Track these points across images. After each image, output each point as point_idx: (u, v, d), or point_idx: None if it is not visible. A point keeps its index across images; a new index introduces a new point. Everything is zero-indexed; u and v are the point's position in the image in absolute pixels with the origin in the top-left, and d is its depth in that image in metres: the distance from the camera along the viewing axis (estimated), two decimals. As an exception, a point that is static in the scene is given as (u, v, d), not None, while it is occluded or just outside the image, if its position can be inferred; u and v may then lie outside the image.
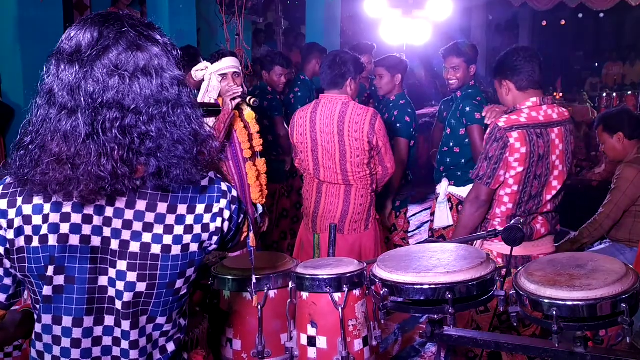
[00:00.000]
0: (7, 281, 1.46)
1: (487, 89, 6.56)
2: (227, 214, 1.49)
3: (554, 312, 1.93)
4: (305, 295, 2.48)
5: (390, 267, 2.23)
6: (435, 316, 2.24)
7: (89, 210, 1.38)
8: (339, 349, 2.41)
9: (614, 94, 9.90)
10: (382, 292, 2.20)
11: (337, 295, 2.44)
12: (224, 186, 1.51)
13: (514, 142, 2.85)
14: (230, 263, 2.73)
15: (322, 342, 2.45)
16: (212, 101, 3.70)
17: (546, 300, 1.96)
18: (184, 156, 1.37)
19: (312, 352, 2.46)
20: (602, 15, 12.44)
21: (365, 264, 2.61)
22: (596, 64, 12.94)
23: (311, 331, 2.46)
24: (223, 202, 1.49)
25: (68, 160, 1.31)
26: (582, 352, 2.02)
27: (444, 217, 4.25)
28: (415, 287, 2.13)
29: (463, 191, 4.08)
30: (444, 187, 4.27)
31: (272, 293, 2.58)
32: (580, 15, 12.92)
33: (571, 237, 3.88)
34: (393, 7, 9.37)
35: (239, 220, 1.56)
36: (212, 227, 1.46)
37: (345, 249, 3.59)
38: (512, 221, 2.58)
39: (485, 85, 6.06)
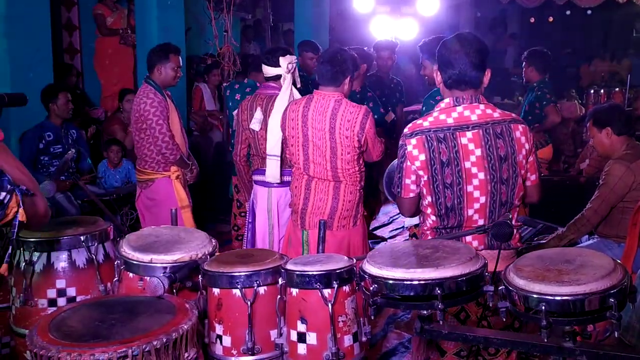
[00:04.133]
0: None
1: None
2: None
3: (543, 307, 1.94)
4: (295, 291, 2.48)
5: (379, 263, 2.23)
6: (425, 312, 2.24)
7: None
8: (329, 345, 2.42)
9: (602, 91, 9.94)
10: (371, 288, 2.20)
11: (326, 292, 2.45)
12: None
13: (411, 150, 2.64)
14: (218, 258, 2.72)
15: (312, 338, 2.45)
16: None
17: (535, 295, 1.97)
18: None
19: (302, 348, 2.46)
20: (589, 12, 12.50)
21: (354, 260, 2.62)
22: (584, 61, 13.00)
23: (301, 327, 2.46)
24: None
25: None
26: (570, 346, 2.03)
27: None
28: (405, 282, 2.14)
29: None
30: None
31: (261, 289, 2.57)
32: (568, 12, 12.98)
33: (559, 232, 3.90)
34: (381, 4, 9.39)
35: (0, 198, 1.85)
36: None
37: (334, 246, 3.59)
38: (501, 217, 2.58)
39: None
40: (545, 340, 1.98)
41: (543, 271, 2.06)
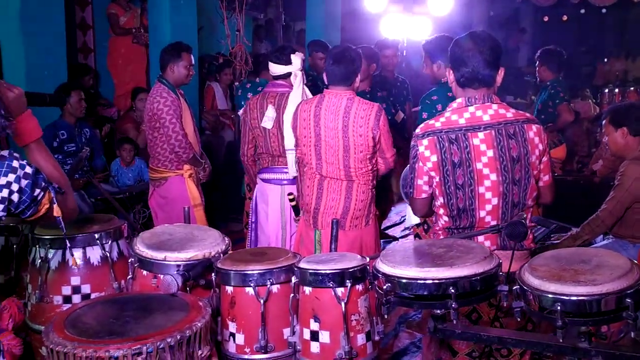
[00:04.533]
0: None
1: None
2: (15, 187, 1.83)
3: (559, 307, 1.92)
4: (308, 290, 2.48)
5: (393, 262, 2.22)
6: (438, 311, 2.23)
7: None
8: (342, 343, 2.41)
9: (616, 90, 9.87)
10: (385, 287, 2.19)
11: (340, 290, 2.44)
12: (15, 163, 1.86)
13: (423, 151, 2.63)
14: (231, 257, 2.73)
15: (324, 336, 2.44)
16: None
17: (550, 295, 1.96)
18: None
19: (315, 346, 2.46)
20: (604, 10, 12.40)
21: (367, 259, 2.61)
22: (598, 60, 12.91)
23: (314, 326, 2.46)
24: (11, 177, 1.83)
25: None
26: (586, 347, 2.01)
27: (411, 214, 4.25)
28: (419, 281, 2.12)
29: None
30: None
31: (275, 288, 2.58)
32: (583, 11, 12.89)
33: (573, 233, 3.87)
34: (393, 3, 9.35)
35: (35, 195, 1.90)
36: None
37: (346, 245, 3.58)
38: (515, 216, 2.57)
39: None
40: (561, 341, 1.97)
41: (559, 271, 2.04)
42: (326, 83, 3.74)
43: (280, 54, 4.31)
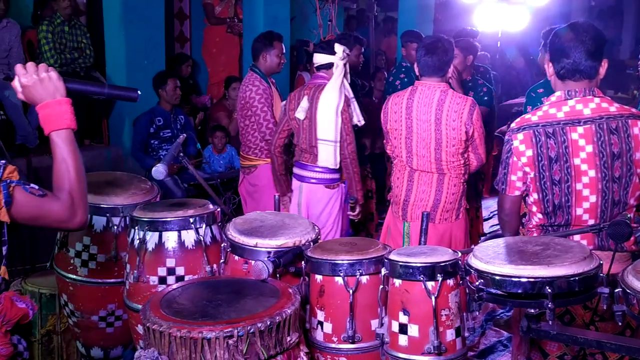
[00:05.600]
0: None
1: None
2: None
3: (665, 313, 1.83)
4: (397, 282, 2.46)
5: (486, 258, 2.17)
6: (533, 310, 2.17)
7: None
8: (431, 338, 2.38)
9: None
10: (477, 283, 2.15)
11: (430, 284, 2.41)
12: None
13: (517, 145, 2.55)
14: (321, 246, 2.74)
15: (413, 330, 2.42)
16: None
17: (656, 300, 1.87)
18: None
19: (403, 339, 2.44)
20: None
21: (459, 254, 2.56)
22: None
23: (403, 319, 2.44)
24: None
25: None
26: (693, 356, 1.90)
27: None
28: (513, 279, 2.07)
29: None
30: None
31: (364, 278, 2.57)
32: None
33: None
34: (489, -7, 9.10)
35: None
36: None
37: (436, 238, 3.54)
38: (619, 216, 2.45)
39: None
40: (666, 348, 1.87)
41: (665, 275, 1.94)
42: (418, 74, 3.69)
43: (325, 44, 4.29)
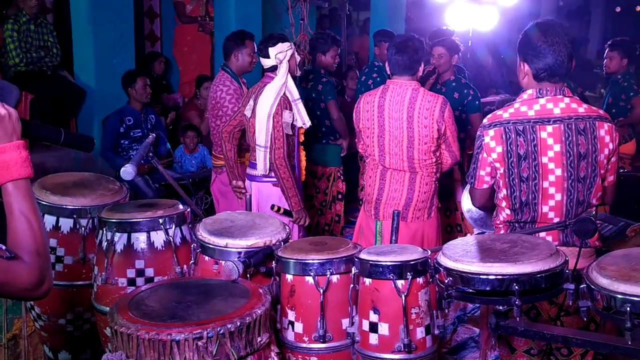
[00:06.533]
0: None
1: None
2: None
3: (628, 308, 1.86)
4: (368, 281, 2.47)
5: (455, 256, 2.19)
6: (501, 307, 2.19)
7: None
8: (401, 336, 2.40)
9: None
10: (446, 281, 2.17)
11: (400, 283, 2.42)
12: None
13: (488, 141, 2.58)
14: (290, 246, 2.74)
15: (384, 328, 2.43)
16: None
17: (619, 296, 1.89)
18: None
19: (373, 338, 2.45)
20: (680, 1, 11.90)
21: (429, 252, 2.58)
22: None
23: (373, 317, 2.45)
24: None
25: None
26: (656, 350, 1.94)
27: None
28: (481, 277, 2.10)
29: None
30: None
31: (334, 278, 2.57)
32: (657, 1, 12.41)
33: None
34: (460, -8, 9.17)
35: None
36: None
37: (408, 237, 3.56)
38: (584, 213, 2.49)
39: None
40: (630, 343, 1.90)
41: (629, 271, 1.97)
42: (389, 73, 3.70)
43: (262, 47, 4.06)
